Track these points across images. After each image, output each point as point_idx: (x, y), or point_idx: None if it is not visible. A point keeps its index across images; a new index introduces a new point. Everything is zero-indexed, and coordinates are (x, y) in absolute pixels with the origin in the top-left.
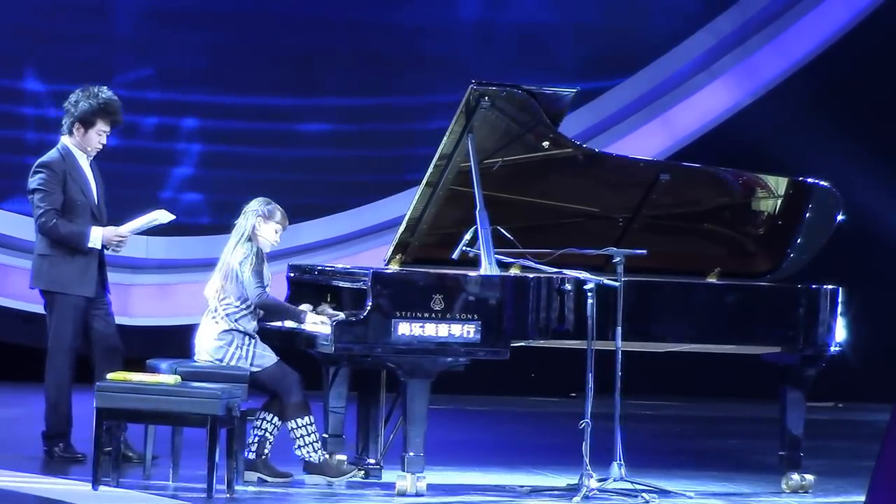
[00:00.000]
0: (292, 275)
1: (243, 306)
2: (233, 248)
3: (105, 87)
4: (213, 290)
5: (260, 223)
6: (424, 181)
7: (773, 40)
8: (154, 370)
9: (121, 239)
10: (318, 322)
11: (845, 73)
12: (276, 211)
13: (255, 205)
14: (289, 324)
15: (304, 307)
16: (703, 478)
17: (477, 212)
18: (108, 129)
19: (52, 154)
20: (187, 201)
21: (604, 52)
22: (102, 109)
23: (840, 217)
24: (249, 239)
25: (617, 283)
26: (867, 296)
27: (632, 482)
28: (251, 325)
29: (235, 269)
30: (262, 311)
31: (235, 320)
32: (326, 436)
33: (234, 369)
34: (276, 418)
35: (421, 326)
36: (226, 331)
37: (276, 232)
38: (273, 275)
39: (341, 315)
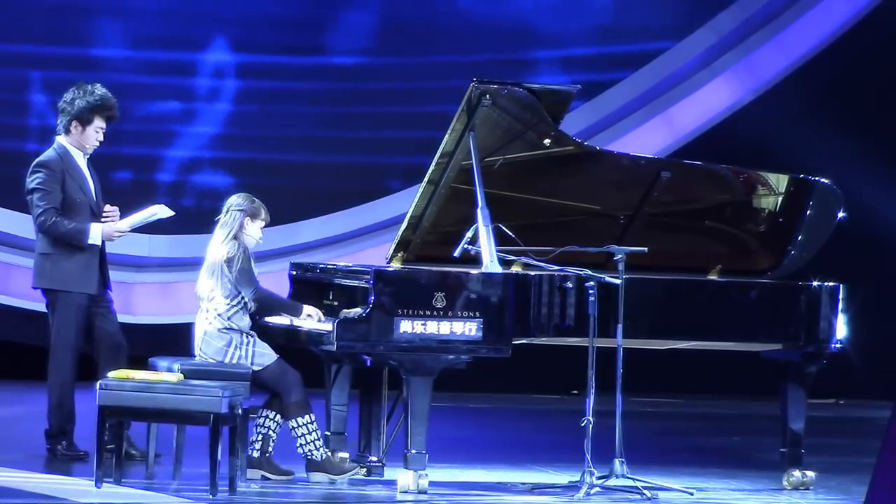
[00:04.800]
0: (294, 273)
1: (234, 303)
2: (218, 246)
3: (99, 84)
4: (203, 289)
5: (247, 222)
6: (426, 179)
7: (774, 38)
8: (156, 368)
9: (120, 234)
10: (313, 316)
11: (846, 70)
12: (261, 208)
13: (239, 201)
14: (286, 319)
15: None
16: (704, 475)
17: (478, 210)
18: (104, 125)
19: (49, 153)
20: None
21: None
22: (99, 106)
23: (841, 214)
24: (235, 237)
25: (618, 281)
26: (868, 293)
27: (633, 479)
28: (245, 321)
29: (223, 267)
30: (254, 306)
31: (228, 318)
32: (328, 433)
33: (236, 367)
34: (278, 416)
35: (423, 324)
36: (221, 330)
37: (261, 229)
38: (275, 273)
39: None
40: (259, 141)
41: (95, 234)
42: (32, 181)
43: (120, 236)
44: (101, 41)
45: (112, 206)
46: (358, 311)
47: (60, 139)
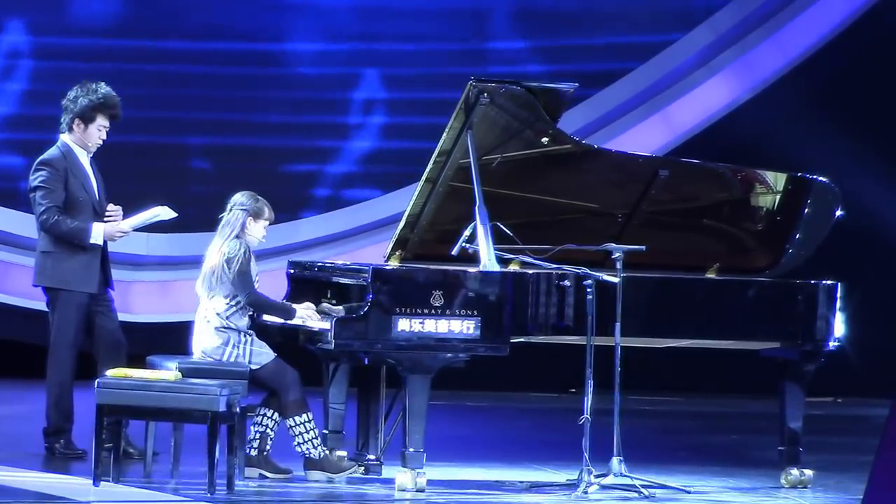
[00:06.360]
0: (292, 271)
1: (233, 303)
2: (220, 246)
3: (103, 83)
4: (203, 287)
5: (250, 222)
6: (424, 177)
7: (772, 36)
8: (155, 366)
9: (122, 234)
10: (307, 317)
11: (844, 68)
12: (265, 207)
13: (242, 200)
14: (280, 319)
15: (303, 305)
16: (702, 473)
17: (476, 208)
18: (107, 123)
19: (52, 152)
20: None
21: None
22: (102, 104)
23: (839, 212)
24: (238, 236)
25: (616, 279)
26: (866, 291)
27: (631, 477)
28: (243, 322)
29: (223, 266)
30: (252, 309)
31: (227, 317)
32: (327, 432)
33: (234, 365)
34: (276, 414)
35: (421, 322)
36: (219, 329)
37: (265, 228)
38: (272, 271)
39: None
40: (54, 121)
41: (97, 233)
42: (35, 179)
43: (122, 236)
44: None
45: (115, 205)
46: (339, 308)
47: (64, 137)
